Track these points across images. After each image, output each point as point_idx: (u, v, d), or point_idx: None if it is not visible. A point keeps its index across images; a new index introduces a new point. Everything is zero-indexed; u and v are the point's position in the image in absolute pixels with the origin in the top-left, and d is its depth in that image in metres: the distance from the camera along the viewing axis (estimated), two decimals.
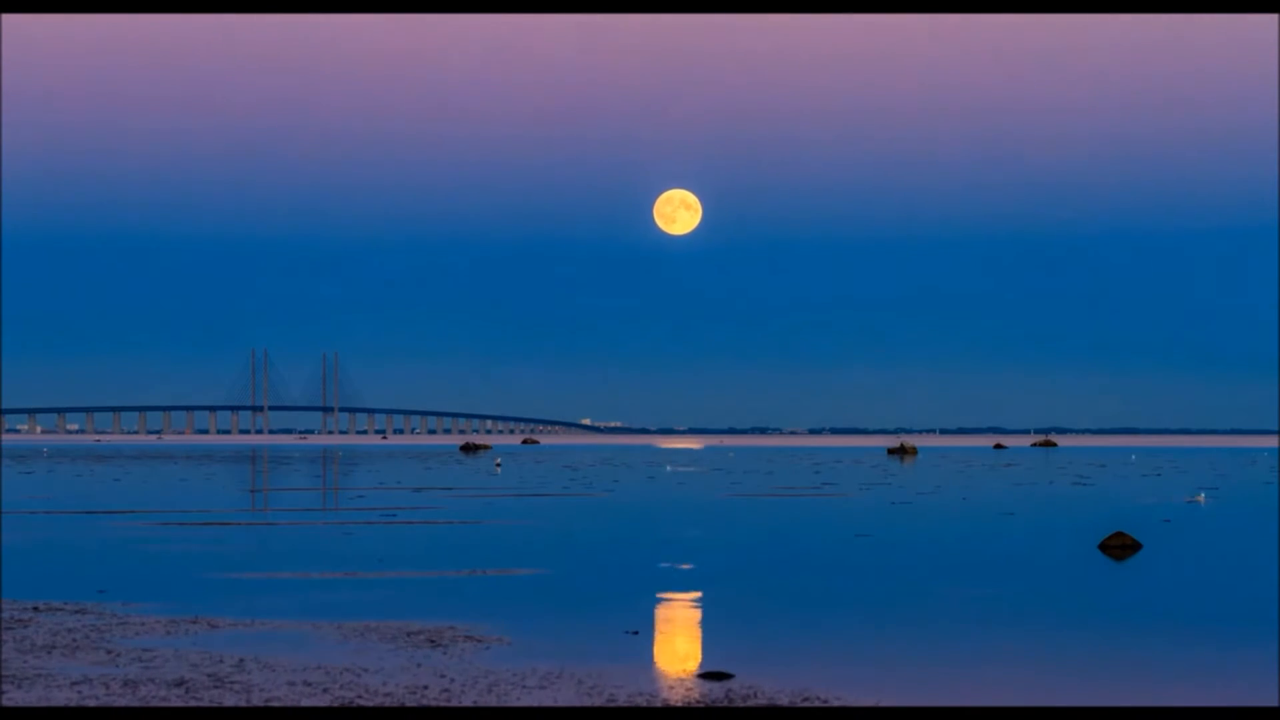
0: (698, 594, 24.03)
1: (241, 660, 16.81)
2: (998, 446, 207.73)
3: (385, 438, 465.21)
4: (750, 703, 14.58)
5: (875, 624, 20.63)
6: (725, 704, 14.50)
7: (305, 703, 14.40)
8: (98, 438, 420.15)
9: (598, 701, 14.55)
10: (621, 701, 14.55)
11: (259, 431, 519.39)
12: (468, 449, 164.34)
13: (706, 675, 15.96)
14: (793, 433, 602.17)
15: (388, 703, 14.39)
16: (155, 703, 14.41)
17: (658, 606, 22.31)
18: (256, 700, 14.51)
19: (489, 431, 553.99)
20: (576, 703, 14.49)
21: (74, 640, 18.38)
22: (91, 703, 14.43)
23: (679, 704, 14.45)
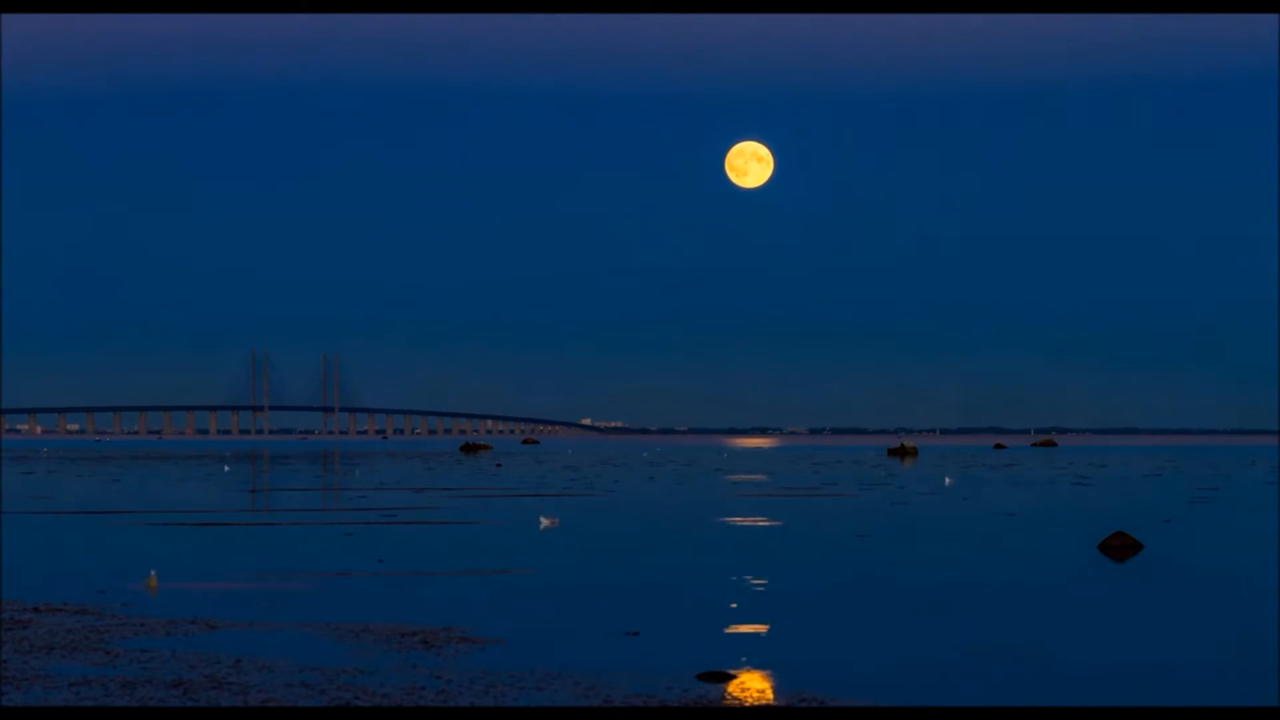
0: (696, 595, 24.00)
1: (239, 661, 16.80)
2: (998, 446, 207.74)
3: (385, 437, 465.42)
4: (750, 703, 14.56)
5: (875, 624, 20.61)
6: (724, 704, 14.48)
7: (302, 704, 14.38)
8: (98, 437, 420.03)
9: (595, 702, 14.53)
10: (619, 702, 14.53)
11: (259, 431, 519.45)
12: (468, 449, 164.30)
13: (705, 675, 15.94)
14: (793, 433, 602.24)
15: (384, 704, 14.37)
16: (153, 703, 14.40)
17: (656, 607, 22.29)
18: (254, 701, 14.50)
19: (489, 432, 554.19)
20: (574, 703, 14.47)
21: (73, 641, 18.37)
22: (90, 703, 14.42)
23: (677, 704, 14.43)
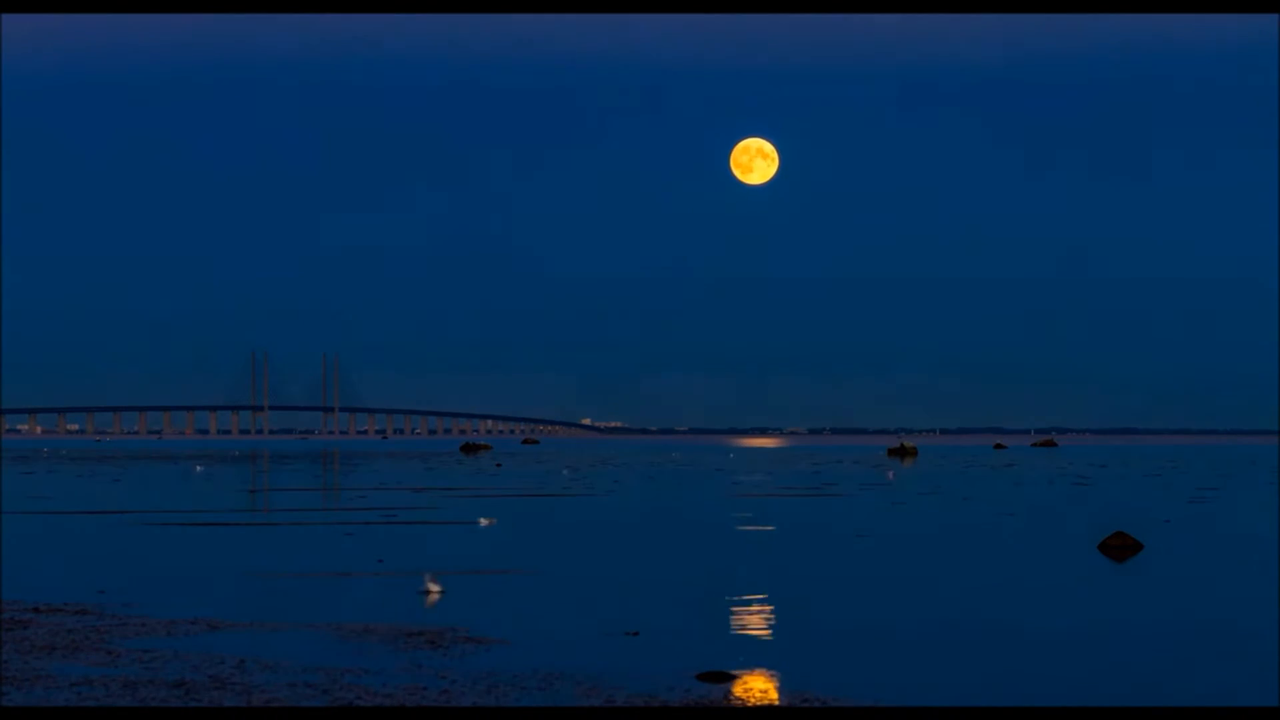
0: (697, 594, 24.02)
1: (241, 661, 16.82)
2: (998, 446, 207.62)
3: (385, 437, 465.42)
4: (750, 703, 14.58)
5: (875, 624, 20.62)
6: (725, 704, 14.50)
7: (305, 704, 14.40)
8: (98, 437, 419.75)
9: (596, 702, 14.55)
10: (620, 702, 14.55)
11: (259, 431, 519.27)
12: (468, 449, 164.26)
13: (706, 675, 15.96)
14: (793, 432, 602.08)
15: (387, 704, 14.39)
16: (155, 704, 14.42)
17: (657, 607, 22.31)
18: (257, 701, 14.51)
19: (489, 432, 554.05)
20: (575, 703, 14.49)
21: (74, 641, 18.38)
22: (92, 703, 14.43)
23: (678, 704, 14.45)
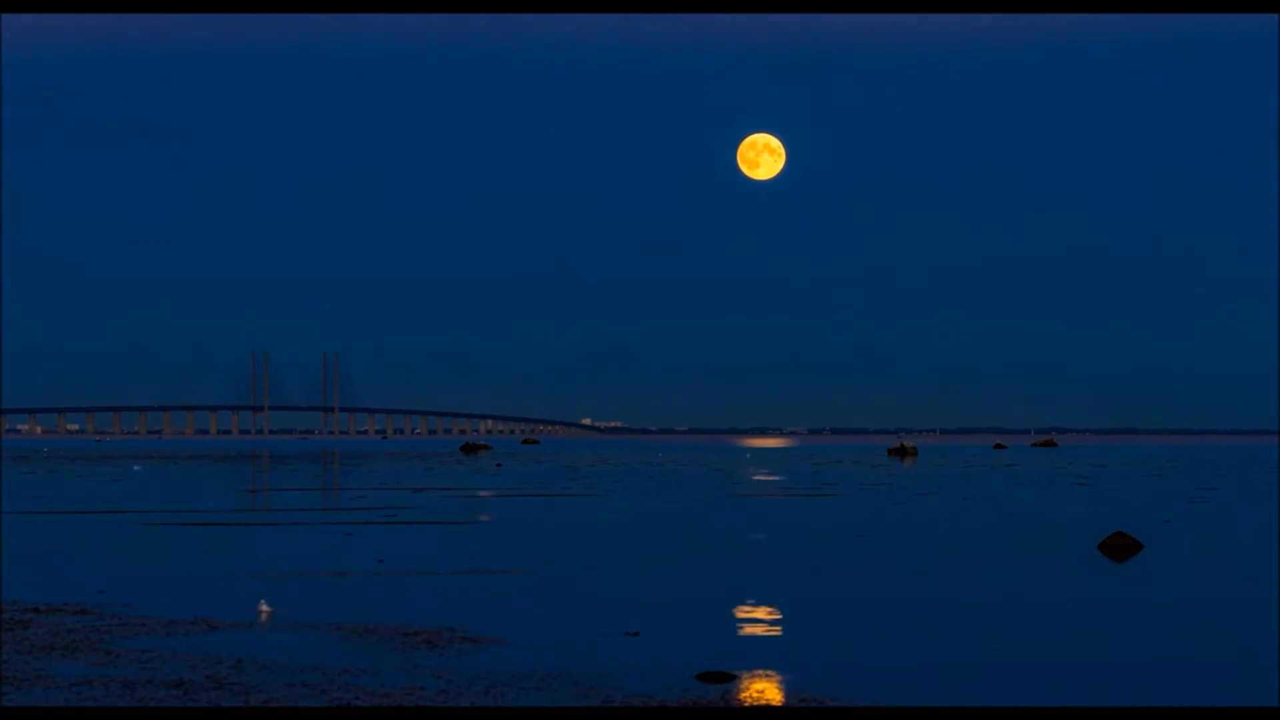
0: (696, 594, 24.01)
1: (240, 661, 16.81)
2: (998, 446, 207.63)
3: (385, 437, 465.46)
4: (750, 703, 14.57)
5: (875, 624, 20.62)
6: (724, 704, 14.49)
7: (303, 704, 14.39)
8: (98, 438, 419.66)
9: (595, 702, 14.54)
10: (619, 702, 14.54)
11: (259, 431, 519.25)
12: (468, 449, 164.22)
13: (706, 675, 15.94)
14: (793, 432, 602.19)
15: (385, 704, 14.38)
16: (154, 704, 14.42)
17: (657, 607, 22.30)
18: (255, 701, 14.51)
19: (489, 432, 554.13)
20: (574, 704, 14.48)
21: (73, 641, 18.37)
22: (91, 703, 14.43)
23: (677, 705, 14.44)
